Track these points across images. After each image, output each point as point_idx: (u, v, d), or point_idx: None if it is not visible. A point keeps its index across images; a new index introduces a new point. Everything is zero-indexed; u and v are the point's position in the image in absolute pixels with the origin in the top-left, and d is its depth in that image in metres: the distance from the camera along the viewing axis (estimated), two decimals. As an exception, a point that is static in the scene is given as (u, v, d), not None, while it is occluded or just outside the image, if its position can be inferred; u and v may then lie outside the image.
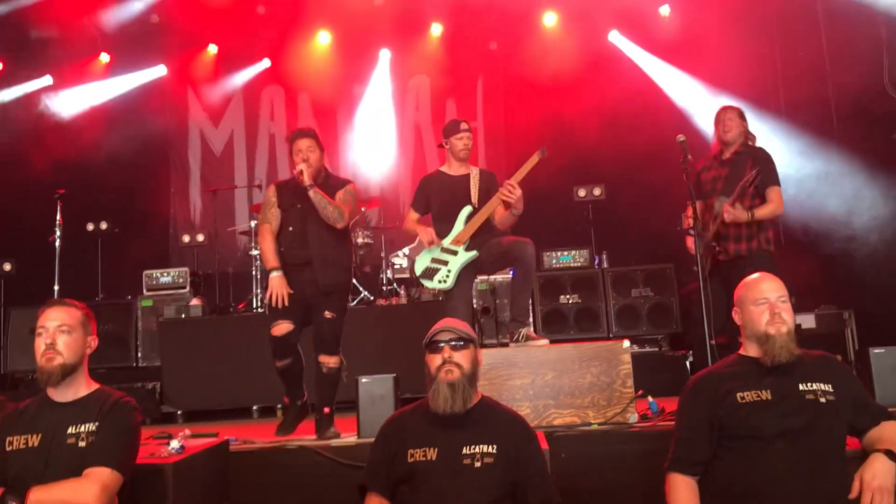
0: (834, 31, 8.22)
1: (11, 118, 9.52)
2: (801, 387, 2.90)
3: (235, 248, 9.73)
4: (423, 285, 5.18)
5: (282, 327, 4.71)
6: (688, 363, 6.80)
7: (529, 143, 9.11)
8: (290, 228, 4.91)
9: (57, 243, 6.86)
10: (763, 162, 5.19)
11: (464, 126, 5.19)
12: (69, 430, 2.89)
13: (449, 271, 4.95)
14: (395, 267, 8.47)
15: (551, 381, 4.49)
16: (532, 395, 4.47)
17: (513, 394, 4.46)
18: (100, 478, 2.77)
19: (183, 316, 7.38)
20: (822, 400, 2.87)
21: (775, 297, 3.00)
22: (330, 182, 5.00)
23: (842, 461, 2.85)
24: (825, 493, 2.73)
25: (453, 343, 3.08)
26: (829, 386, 2.91)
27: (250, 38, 10.22)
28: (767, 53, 9.08)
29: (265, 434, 4.90)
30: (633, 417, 4.40)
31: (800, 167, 7.93)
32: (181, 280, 8.29)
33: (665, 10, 9.58)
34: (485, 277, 7.47)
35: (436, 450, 2.97)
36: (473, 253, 4.98)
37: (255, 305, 7.97)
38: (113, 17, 9.63)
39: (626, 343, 4.55)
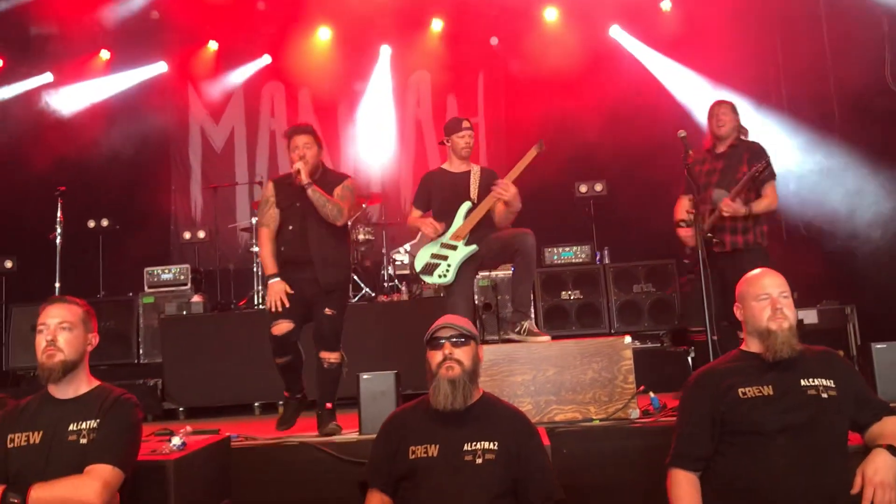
0: (836, 25, 8.20)
1: (12, 115, 9.52)
2: (802, 382, 2.90)
3: (236, 245, 9.72)
4: (424, 281, 5.19)
5: (282, 326, 4.71)
6: (689, 359, 6.80)
7: (530, 138, 9.05)
8: (290, 227, 4.90)
9: (58, 240, 6.86)
10: (760, 155, 5.25)
11: (465, 124, 5.19)
12: (70, 427, 2.89)
13: (449, 266, 4.95)
14: (397, 263, 8.48)
15: (553, 377, 4.48)
16: (533, 391, 4.47)
17: (514, 390, 4.45)
18: (101, 475, 2.78)
19: (184, 313, 7.38)
20: (824, 395, 2.86)
21: (777, 293, 3.00)
22: (328, 178, 4.99)
23: (843, 457, 2.85)
24: (827, 488, 2.73)
25: (454, 340, 3.08)
26: (831, 381, 2.91)
27: (251, 35, 10.22)
28: (769, 48, 9.06)
29: (267, 430, 4.90)
30: (634, 413, 4.40)
31: (801, 162, 7.92)
32: (182, 277, 8.29)
33: (666, 5, 9.56)
34: (486, 273, 7.47)
35: (437, 446, 2.97)
36: (473, 247, 4.98)
37: (256, 302, 7.96)
38: (113, 14, 9.62)
39: (628, 339, 4.55)
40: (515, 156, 5.01)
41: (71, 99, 9.89)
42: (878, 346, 4.46)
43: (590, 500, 4.00)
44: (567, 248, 8.17)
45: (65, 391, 2.99)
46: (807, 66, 8.30)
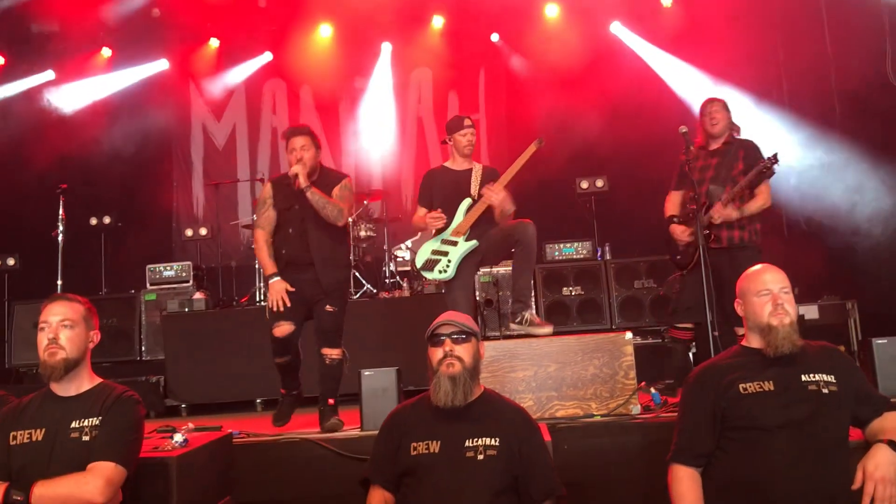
0: (836, 20, 8.19)
1: (13, 113, 9.53)
2: (803, 378, 2.90)
3: (238, 242, 9.73)
4: (425, 278, 5.20)
5: (283, 328, 4.74)
6: (691, 354, 6.79)
7: (531, 134, 9.04)
8: (290, 230, 4.92)
9: (60, 238, 6.87)
10: (754, 154, 5.28)
11: (467, 122, 5.20)
12: (73, 425, 2.90)
13: (449, 261, 4.97)
14: (398, 260, 8.49)
15: (554, 373, 4.49)
16: (535, 387, 4.47)
17: (515, 386, 4.46)
18: (104, 472, 2.79)
19: (186, 310, 7.38)
20: (825, 391, 2.86)
21: (778, 288, 3.00)
22: (327, 178, 5.01)
23: (845, 452, 2.85)
24: (828, 484, 2.73)
25: (455, 336, 3.08)
26: (832, 377, 2.90)
27: (252, 32, 10.23)
28: (769, 44, 9.04)
29: (269, 427, 4.93)
30: (635, 409, 4.40)
31: (802, 158, 7.92)
32: (184, 274, 8.32)
33: (667, 1, 9.54)
34: (487, 269, 7.47)
35: (438, 443, 2.97)
36: (473, 242, 4.99)
37: (258, 299, 7.98)
38: (114, 11, 9.61)
39: (629, 335, 4.55)
40: (516, 152, 5.02)
41: (72, 96, 9.90)
42: (879, 341, 4.46)
43: (591, 495, 4.01)
44: (568, 244, 8.18)
45: (67, 389, 2.99)
46: (807, 62, 8.29)
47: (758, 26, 8.93)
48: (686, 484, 2.88)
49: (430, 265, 5.01)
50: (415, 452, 2.98)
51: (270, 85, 10.64)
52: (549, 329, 4.81)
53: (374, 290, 8.04)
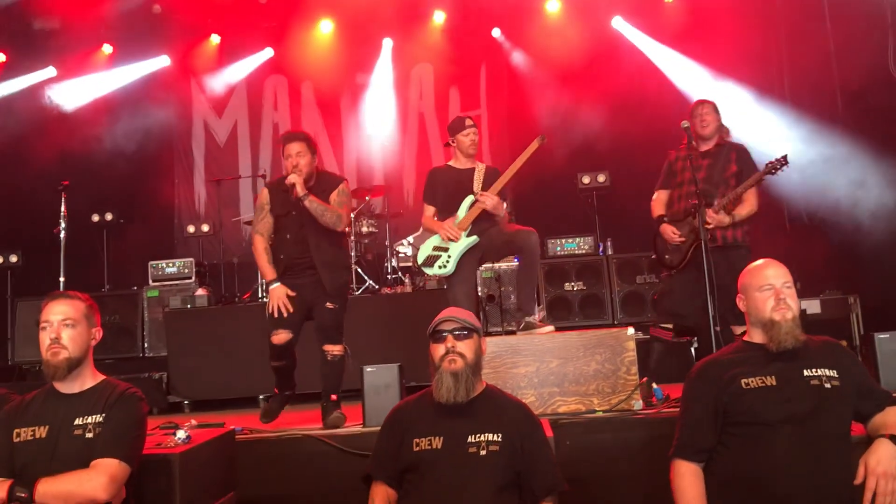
0: (839, 15, 8.16)
1: (15, 110, 9.52)
2: (805, 372, 2.90)
3: (240, 238, 9.73)
4: (426, 274, 5.22)
5: (281, 336, 4.79)
6: (692, 350, 6.80)
7: (532, 129, 9.13)
8: (288, 236, 4.95)
9: (62, 235, 6.87)
10: (747, 158, 5.31)
11: (469, 122, 5.22)
12: (76, 422, 2.91)
13: (449, 257, 4.99)
14: (400, 255, 8.49)
15: (556, 369, 4.49)
16: (537, 382, 4.48)
17: (517, 382, 4.47)
18: (107, 469, 2.79)
19: (189, 306, 7.40)
20: (827, 385, 2.86)
21: (780, 283, 3.00)
22: (323, 182, 5.03)
23: (847, 447, 2.85)
24: (830, 478, 2.74)
25: (457, 332, 3.09)
26: (834, 371, 2.90)
27: (253, 28, 10.21)
28: (771, 38, 9.02)
29: (271, 423, 4.93)
30: (637, 404, 4.41)
31: (804, 153, 7.89)
32: (186, 270, 8.33)
33: (668, -4, 9.54)
34: (490, 265, 7.48)
35: (441, 439, 2.98)
36: (474, 238, 5.01)
37: (260, 295, 7.99)
38: (115, 8, 9.60)
39: (631, 330, 4.56)
40: (518, 147, 5.04)
41: (74, 93, 9.90)
42: (881, 335, 4.46)
43: (593, 491, 4.01)
44: (570, 240, 8.19)
45: (70, 386, 3.00)
46: (809, 57, 8.26)
47: (760, 21, 8.91)
48: (688, 479, 2.89)
49: (430, 261, 5.03)
50: (417, 448, 2.98)
51: (272, 81, 10.64)
52: (550, 328, 4.83)
53: (376, 286, 8.04)
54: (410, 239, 8.45)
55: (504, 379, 4.43)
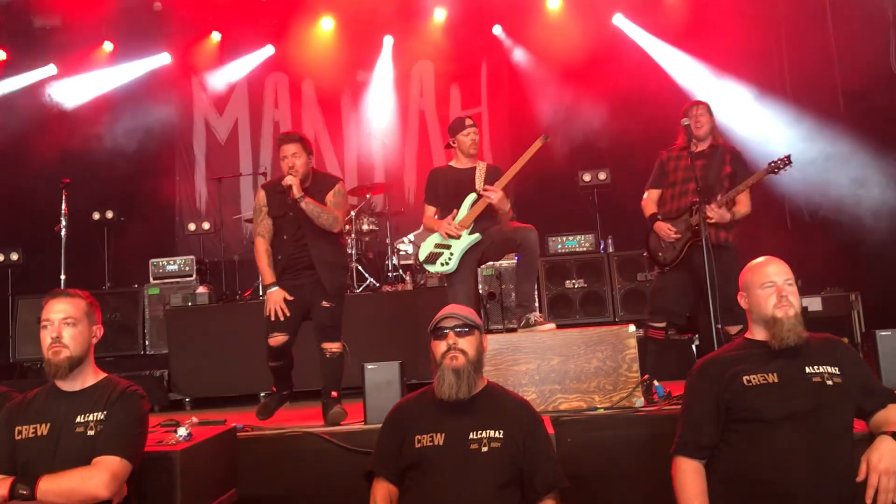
0: (841, 12, 8.16)
1: (16, 108, 9.52)
2: (807, 370, 2.90)
3: (241, 236, 9.74)
4: (427, 271, 5.23)
5: (277, 339, 4.83)
6: (694, 347, 6.80)
7: (533, 127, 9.14)
8: (286, 237, 4.97)
9: (63, 233, 6.87)
10: (742, 161, 5.36)
11: (469, 122, 5.23)
12: (77, 419, 2.91)
13: (451, 254, 4.99)
14: (401, 253, 8.48)
15: (557, 367, 4.49)
16: (538, 380, 4.48)
17: (519, 379, 4.46)
18: (109, 466, 2.79)
19: (189, 304, 7.39)
20: (829, 383, 2.86)
21: (782, 281, 3.00)
22: (319, 183, 5.04)
23: (849, 444, 2.85)
24: (832, 476, 2.73)
25: (458, 329, 3.09)
26: (836, 369, 2.90)
27: (253, 25, 10.21)
28: (773, 36, 9.01)
29: (272, 420, 4.93)
30: (639, 402, 4.41)
31: (805, 150, 7.88)
32: (187, 268, 8.33)
33: (669, -7, 9.53)
34: (490, 263, 7.47)
35: (443, 435, 2.98)
36: (476, 236, 5.01)
37: (261, 293, 7.97)
38: (116, 5, 9.60)
39: (632, 328, 4.55)
40: (518, 145, 5.04)
41: (74, 91, 9.90)
42: (883, 333, 4.46)
43: (594, 488, 4.01)
44: (571, 237, 8.19)
45: (72, 384, 3.00)
46: (811, 54, 8.26)
47: (761, 18, 8.90)
48: (690, 476, 2.89)
49: (432, 258, 5.04)
50: (419, 445, 2.98)
51: (272, 79, 10.64)
52: (551, 326, 4.84)
53: (377, 284, 8.04)
54: (411, 237, 8.45)
55: (505, 376, 4.43)
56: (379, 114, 10.37)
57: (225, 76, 10.50)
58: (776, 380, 2.88)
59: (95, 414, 2.91)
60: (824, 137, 8.01)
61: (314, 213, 4.82)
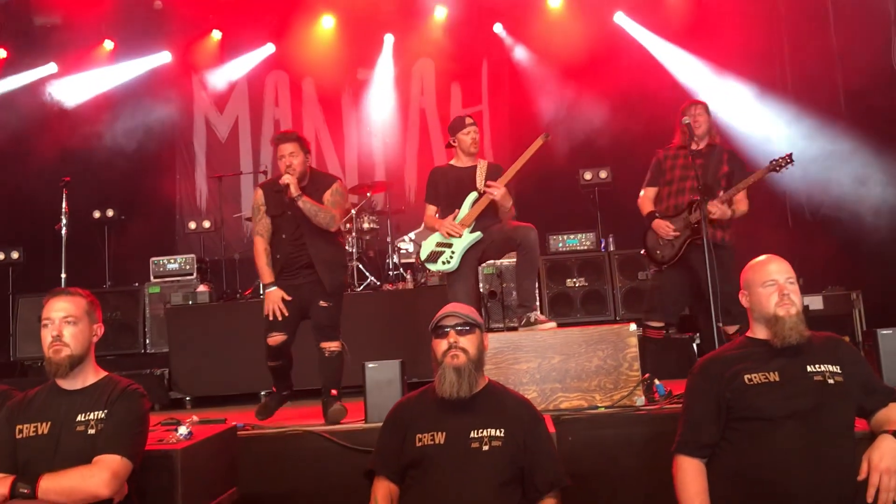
0: (841, 9, 8.15)
1: (17, 106, 9.51)
2: (808, 368, 2.90)
3: (242, 235, 9.74)
4: (428, 270, 5.23)
5: (276, 338, 4.85)
6: (694, 346, 6.80)
7: (534, 125, 9.14)
8: (284, 236, 4.99)
9: (63, 231, 6.87)
10: (739, 161, 5.38)
11: (469, 121, 5.24)
12: (78, 418, 2.91)
13: (453, 253, 4.99)
14: (401, 251, 8.48)
15: (558, 365, 4.49)
16: (539, 378, 4.47)
17: (519, 378, 4.46)
18: (110, 465, 2.79)
19: (190, 302, 7.39)
20: (830, 381, 2.86)
21: (783, 279, 3.00)
22: (317, 182, 5.05)
23: (850, 443, 2.85)
24: (833, 474, 2.73)
25: (459, 328, 3.09)
26: (837, 367, 2.90)
27: (254, 24, 10.21)
28: (774, 34, 9.00)
29: (273, 419, 4.94)
30: (639, 400, 4.40)
31: (807, 148, 7.88)
32: (188, 267, 8.33)
33: (670, -9, 9.51)
34: (491, 261, 7.48)
35: (444, 434, 2.98)
36: (477, 234, 5.01)
37: (261, 291, 7.97)
38: (116, 4, 9.59)
39: (633, 326, 4.55)
40: (519, 143, 5.04)
41: (75, 89, 9.89)
42: (884, 332, 4.45)
43: (595, 487, 4.01)
44: (572, 236, 8.18)
45: (72, 382, 3.00)
46: (812, 52, 8.25)
47: (762, 17, 8.90)
48: (691, 475, 2.88)
49: (434, 257, 5.04)
50: (420, 444, 2.98)
51: (273, 77, 10.64)
52: (552, 324, 4.83)
53: (378, 283, 8.04)
54: (412, 235, 8.45)
55: (506, 375, 4.43)
56: (379, 112, 10.37)
57: (225, 74, 10.49)
58: (777, 378, 2.88)
59: (96, 412, 2.91)
60: (825, 136, 8.00)
61: (311, 211, 4.82)
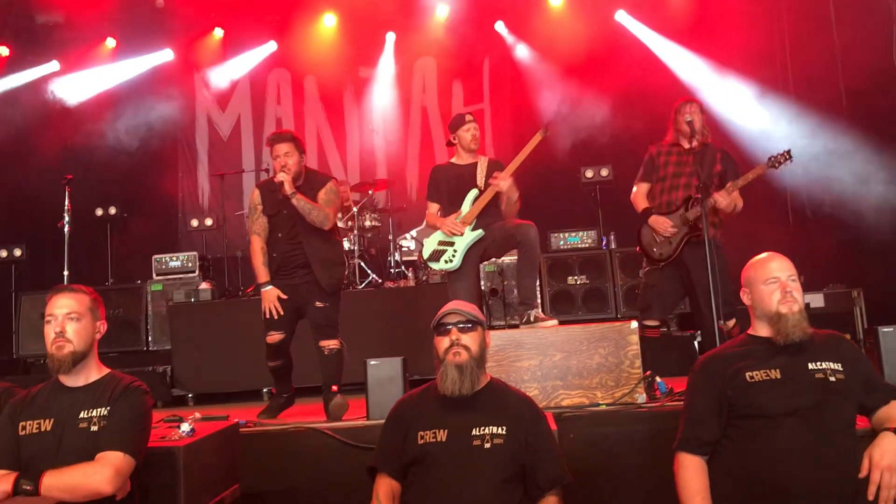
0: (843, 8, 8.14)
1: (19, 104, 9.52)
2: (810, 366, 2.90)
3: (244, 232, 9.69)
4: (430, 267, 5.23)
5: (275, 337, 4.93)
6: (696, 343, 6.80)
7: (536, 123, 9.14)
8: (280, 235, 5.02)
9: (66, 229, 6.88)
10: (731, 160, 5.39)
11: (468, 118, 5.25)
12: (81, 415, 2.92)
13: (455, 251, 5.00)
14: (403, 249, 8.48)
15: (559, 363, 4.49)
16: (540, 376, 4.48)
17: (521, 375, 4.47)
18: (112, 462, 2.80)
19: (192, 300, 7.41)
20: (832, 379, 2.86)
21: (786, 276, 3.00)
22: (312, 181, 5.07)
23: (851, 440, 2.85)
24: (834, 472, 2.74)
25: (461, 325, 3.09)
26: (839, 365, 2.90)
27: (256, 22, 10.20)
28: (775, 32, 9.00)
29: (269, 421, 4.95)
30: (641, 398, 4.41)
31: (808, 146, 7.88)
32: (190, 264, 8.34)
33: (672, -11, 9.50)
34: (492, 259, 7.48)
35: (446, 431, 2.98)
36: (479, 232, 5.02)
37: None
38: (118, 2, 9.59)
39: (634, 324, 4.55)
40: (521, 141, 5.03)
41: (77, 87, 9.89)
42: (885, 329, 4.45)
43: (597, 484, 4.02)
44: (573, 233, 8.19)
45: (75, 379, 3.01)
46: (814, 51, 8.25)
47: (764, 15, 8.90)
48: (692, 472, 2.89)
49: (436, 255, 5.05)
50: (422, 441, 2.99)
51: (275, 75, 10.64)
52: (553, 322, 4.84)
53: (380, 280, 8.04)
54: (413, 233, 8.45)
55: (507, 372, 4.43)
56: (381, 110, 10.37)
57: (227, 72, 10.49)
58: (779, 376, 2.88)
59: (99, 409, 2.92)
60: (827, 134, 8.00)
61: (304, 209, 4.86)
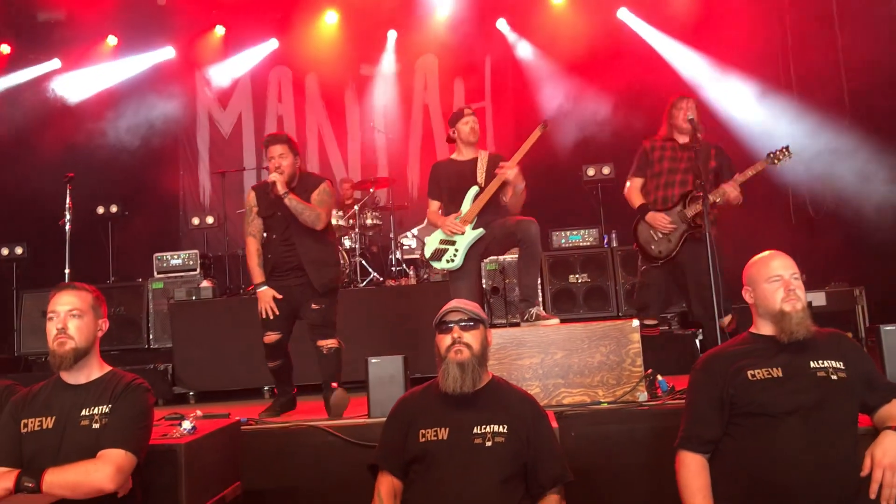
0: (846, 7, 8.13)
1: (20, 102, 9.53)
2: (812, 364, 2.90)
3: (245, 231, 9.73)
4: (432, 266, 5.23)
5: (272, 337, 4.96)
6: (697, 341, 6.79)
7: (538, 121, 9.08)
8: (274, 236, 5.04)
9: (67, 227, 6.88)
10: (725, 157, 5.43)
11: (467, 112, 5.25)
12: (83, 413, 2.92)
13: (456, 251, 4.99)
14: (404, 247, 8.48)
15: (561, 361, 4.49)
16: (542, 374, 4.47)
17: (522, 373, 4.46)
18: (114, 459, 2.80)
19: (193, 298, 7.41)
20: (834, 377, 2.86)
21: (788, 274, 3.00)
22: (306, 183, 5.08)
23: (853, 438, 2.85)
24: (836, 470, 2.73)
25: (463, 323, 3.09)
26: (841, 363, 2.90)
27: (257, 19, 10.22)
28: (778, 31, 8.98)
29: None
30: (642, 396, 4.40)
31: (810, 145, 7.87)
32: (191, 262, 8.33)
33: (674, -13, 9.49)
34: (494, 257, 7.48)
35: (447, 429, 2.98)
36: (480, 231, 5.01)
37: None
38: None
39: (636, 322, 4.55)
40: (523, 139, 5.02)
41: (78, 85, 9.90)
42: (887, 328, 4.43)
43: (598, 482, 4.01)
44: (575, 232, 8.18)
45: (77, 377, 3.01)
46: (817, 50, 8.24)
47: (767, 14, 8.88)
48: (693, 470, 2.89)
49: (438, 255, 5.04)
50: (423, 439, 2.99)
51: (276, 73, 10.65)
52: (555, 321, 4.83)
53: (381, 278, 8.04)
54: (415, 231, 8.45)
55: (509, 370, 4.43)
56: (383, 108, 10.37)
57: (228, 70, 10.50)
58: (781, 374, 2.88)
59: (100, 407, 2.92)
60: (829, 133, 7.99)
61: (297, 209, 4.87)
